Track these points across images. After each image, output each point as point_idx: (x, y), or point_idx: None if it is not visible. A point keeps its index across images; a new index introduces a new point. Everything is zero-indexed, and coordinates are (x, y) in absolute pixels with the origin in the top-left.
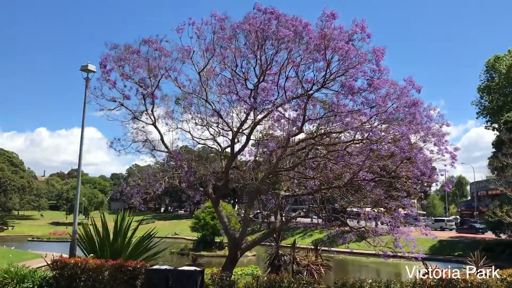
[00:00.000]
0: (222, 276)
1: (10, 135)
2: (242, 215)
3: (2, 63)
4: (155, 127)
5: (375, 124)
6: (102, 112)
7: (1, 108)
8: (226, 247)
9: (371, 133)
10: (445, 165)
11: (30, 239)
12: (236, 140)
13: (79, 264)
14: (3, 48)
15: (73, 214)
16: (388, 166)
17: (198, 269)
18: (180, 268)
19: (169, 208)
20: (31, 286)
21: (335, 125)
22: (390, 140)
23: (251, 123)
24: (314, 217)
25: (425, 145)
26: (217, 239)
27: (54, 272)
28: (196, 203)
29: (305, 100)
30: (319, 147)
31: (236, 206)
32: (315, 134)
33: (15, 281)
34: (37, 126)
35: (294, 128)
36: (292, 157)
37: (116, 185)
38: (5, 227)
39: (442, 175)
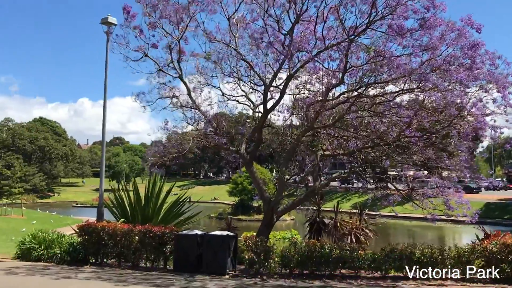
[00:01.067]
0: (257, 241)
1: (54, 106)
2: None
3: (43, 36)
4: (182, 80)
5: (428, 71)
6: (126, 63)
7: (44, 80)
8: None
9: (423, 80)
10: (506, 121)
11: (74, 205)
12: (269, 96)
13: (106, 229)
14: (43, 20)
15: (113, 180)
16: (441, 122)
17: (231, 233)
18: (211, 233)
19: (208, 173)
20: (58, 252)
21: (380, 77)
22: (445, 89)
23: (286, 78)
24: (354, 180)
25: (485, 96)
26: (255, 204)
27: (81, 238)
28: (235, 168)
29: (347, 46)
30: (362, 100)
31: (274, 171)
32: (358, 85)
33: (42, 246)
34: (80, 97)
35: (334, 81)
36: (332, 113)
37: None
38: (52, 194)
39: (502, 132)
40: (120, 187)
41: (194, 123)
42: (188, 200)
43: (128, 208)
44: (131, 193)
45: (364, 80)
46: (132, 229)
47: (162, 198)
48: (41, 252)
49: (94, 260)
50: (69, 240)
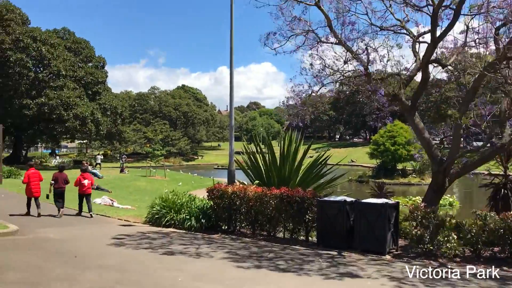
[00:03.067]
0: (428, 212)
1: (197, 75)
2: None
3: (186, 9)
4: (320, 8)
5: None
6: None
7: (188, 52)
8: (410, 175)
9: None
10: None
11: (215, 167)
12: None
13: (238, 193)
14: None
15: (251, 143)
16: None
17: (391, 202)
18: (364, 201)
19: (344, 135)
20: (188, 217)
21: None
22: None
23: None
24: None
25: None
26: (399, 166)
27: (212, 202)
28: (373, 130)
29: None
30: None
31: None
32: None
33: (172, 211)
34: (219, 66)
35: None
36: None
37: (291, 115)
38: (196, 157)
39: None
40: (254, 148)
41: (340, 62)
42: (325, 162)
43: (263, 169)
44: (266, 155)
45: None
46: (266, 193)
47: (300, 158)
48: (169, 217)
49: (226, 227)
50: (200, 204)
